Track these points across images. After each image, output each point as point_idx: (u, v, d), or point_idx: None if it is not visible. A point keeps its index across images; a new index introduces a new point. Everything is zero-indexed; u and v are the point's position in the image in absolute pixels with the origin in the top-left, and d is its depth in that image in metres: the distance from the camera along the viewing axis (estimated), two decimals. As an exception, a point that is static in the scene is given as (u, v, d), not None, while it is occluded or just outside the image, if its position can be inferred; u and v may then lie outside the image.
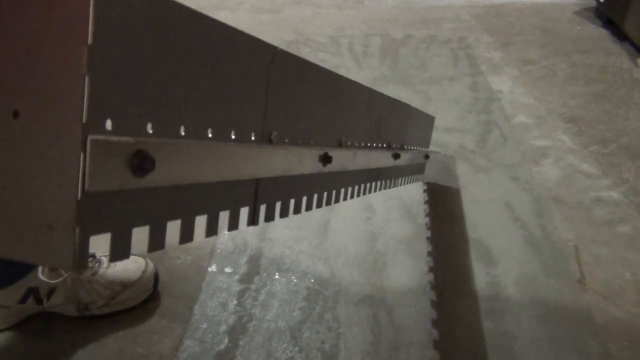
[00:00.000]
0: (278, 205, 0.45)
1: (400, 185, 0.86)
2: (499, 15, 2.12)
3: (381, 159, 0.70)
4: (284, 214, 0.46)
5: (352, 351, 0.74)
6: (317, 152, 0.48)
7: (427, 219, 1.00)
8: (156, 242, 0.30)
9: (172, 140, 0.29)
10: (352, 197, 0.63)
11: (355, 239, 0.96)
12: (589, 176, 1.13)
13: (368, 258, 0.91)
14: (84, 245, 0.23)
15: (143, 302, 0.80)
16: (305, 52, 1.74)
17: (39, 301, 0.74)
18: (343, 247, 0.93)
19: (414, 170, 0.96)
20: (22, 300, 0.73)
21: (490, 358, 0.73)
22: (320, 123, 0.49)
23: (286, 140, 0.43)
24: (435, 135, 1.13)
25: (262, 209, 0.42)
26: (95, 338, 0.75)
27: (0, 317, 0.75)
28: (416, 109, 0.87)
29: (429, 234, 0.96)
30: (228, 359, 0.73)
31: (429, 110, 0.96)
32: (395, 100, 0.72)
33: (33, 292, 0.73)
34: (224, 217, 0.38)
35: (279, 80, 0.39)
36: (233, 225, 0.39)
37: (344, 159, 0.55)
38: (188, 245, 0.91)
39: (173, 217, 0.31)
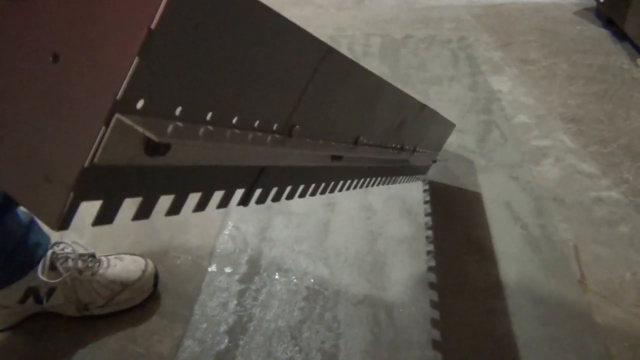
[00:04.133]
0: (274, 190, 0.45)
1: (400, 183, 0.86)
2: (499, 15, 2.12)
3: (390, 158, 0.69)
4: (276, 198, 0.46)
5: (352, 351, 0.74)
6: (330, 152, 0.47)
7: (427, 218, 1.00)
8: (143, 213, 0.30)
9: (194, 126, 0.28)
10: (348, 189, 0.62)
11: (355, 239, 0.95)
12: (589, 176, 1.13)
13: (368, 258, 0.91)
14: (73, 207, 0.23)
15: (143, 302, 0.80)
16: (305, 52, 1.74)
17: (38, 301, 0.74)
18: (343, 247, 0.93)
19: (417, 171, 0.95)
20: (22, 300, 0.73)
21: (490, 358, 0.73)
22: (344, 121, 0.48)
23: (306, 135, 0.42)
24: (435, 135, 1.13)
25: (257, 192, 0.42)
26: (95, 338, 0.75)
27: (0, 317, 0.74)
28: (441, 116, 0.86)
29: (429, 233, 0.96)
30: (228, 359, 0.73)
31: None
32: (424, 106, 0.71)
33: (33, 292, 0.73)
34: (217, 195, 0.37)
35: (321, 78, 0.38)
36: (223, 204, 0.38)
37: (354, 157, 0.54)
38: (188, 245, 0.91)
39: (168, 193, 0.31)
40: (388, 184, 0.78)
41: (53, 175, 0.23)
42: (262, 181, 0.41)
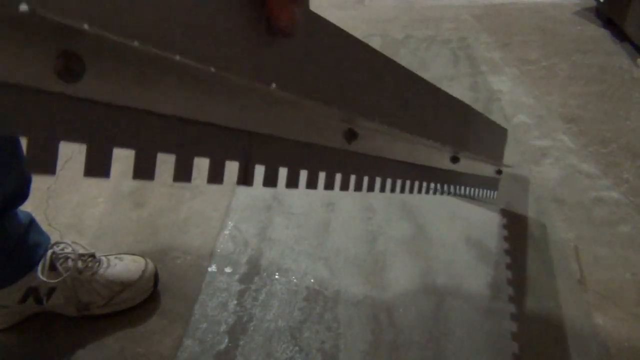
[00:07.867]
0: (285, 172, 0.39)
1: (464, 195, 0.78)
2: (499, 15, 2.12)
3: (433, 156, 0.61)
4: (291, 183, 0.39)
5: (352, 351, 0.74)
6: (336, 122, 0.40)
7: (427, 218, 1.00)
8: (94, 167, 0.25)
9: (119, 45, 0.23)
10: (393, 190, 0.54)
11: (355, 239, 0.95)
12: (589, 176, 1.13)
13: (368, 258, 0.91)
14: None
15: (143, 302, 0.80)
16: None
17: (38, 301, 0.74)
18: (343, 247, 0.93)
19: (482, 183, 0.87)
20: (22, 300, 0.73)
21: (490, 358, 0.73)
22: (341, 89, 0.39)
23: (290, 92, 0.34)
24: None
25: (260, 170, 0.36)
26: (95, 338, 0.75)
27: (0, 317, 0.74)
28: (487, 117, 0.78)
29: (428, 233, 0.96)
30: (228, 359, 0.73)
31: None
32: (467, 106, 0.64)
33: (33, 292, 0.73)
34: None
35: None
36: (213, 177, 0.32)
37: (377, 142, 0.47)
38: (188, 245, 0.91)
39: (122, 145, 0.26)
40: (446, 193, 0.67)
41: None
42: (257, 154, 0.35)
